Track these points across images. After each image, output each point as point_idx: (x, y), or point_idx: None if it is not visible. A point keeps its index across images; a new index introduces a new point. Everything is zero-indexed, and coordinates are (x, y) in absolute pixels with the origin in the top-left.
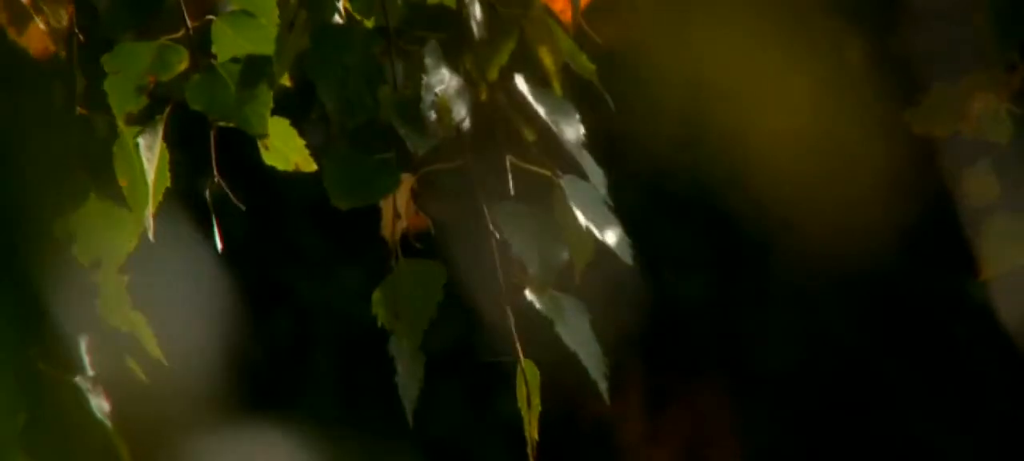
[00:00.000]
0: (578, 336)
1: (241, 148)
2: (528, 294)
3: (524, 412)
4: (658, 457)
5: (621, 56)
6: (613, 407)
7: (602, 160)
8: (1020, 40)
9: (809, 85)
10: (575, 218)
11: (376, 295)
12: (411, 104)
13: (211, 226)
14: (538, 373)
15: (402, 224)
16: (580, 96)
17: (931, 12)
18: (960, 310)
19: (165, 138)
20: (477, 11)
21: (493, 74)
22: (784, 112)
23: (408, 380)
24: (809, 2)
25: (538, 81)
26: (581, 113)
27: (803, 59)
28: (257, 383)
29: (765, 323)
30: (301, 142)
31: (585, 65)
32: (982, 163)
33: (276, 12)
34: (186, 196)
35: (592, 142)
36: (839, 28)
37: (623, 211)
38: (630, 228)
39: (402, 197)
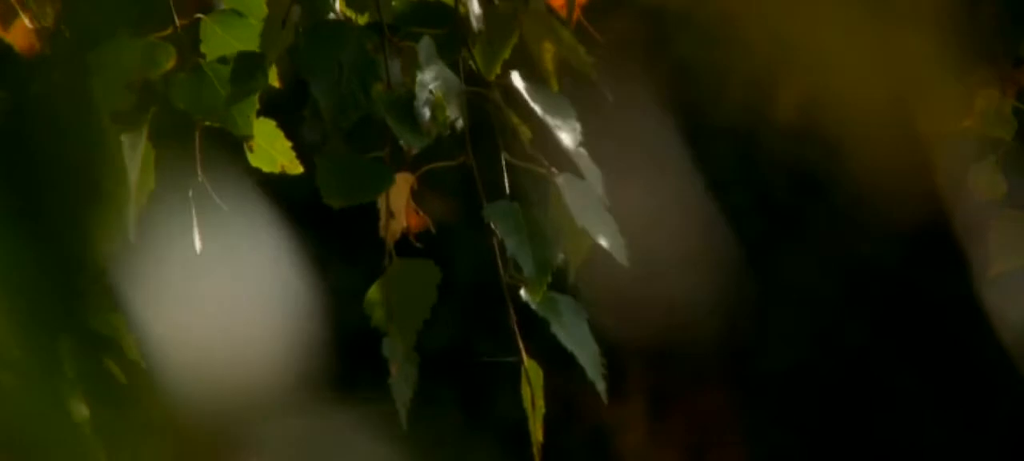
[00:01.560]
0: (575, 336)
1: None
2: (523, 294)
3: (529, 413)
4: (661, 460)
5: (620, 54)
6: (615, 409)
7: (602, 160)
8: None
9: (811, 82)
10: (571, 218)
11: (370, 296)
12: (405, 102)
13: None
14: (541, 373)
15: (398, 224)
16: (581, 92)
17: None
18: (964, 311)
19: (157, 137)
20: (475, 6)
21: (493, 72)
22: (784, 111)
23: (401, 382)
24: None
25: (536, 78)
26: (583, 107)
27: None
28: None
29: (768, 324)
30: (288, 144)
31: (583, 59)
32: (989, 160)
33: (266, 12)
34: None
35: (597, 138)
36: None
37: (623, 211)
38: (630, 229)
39: (399, 196)
